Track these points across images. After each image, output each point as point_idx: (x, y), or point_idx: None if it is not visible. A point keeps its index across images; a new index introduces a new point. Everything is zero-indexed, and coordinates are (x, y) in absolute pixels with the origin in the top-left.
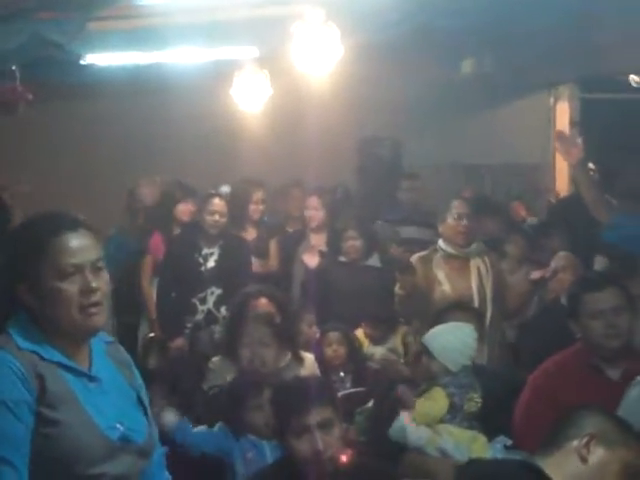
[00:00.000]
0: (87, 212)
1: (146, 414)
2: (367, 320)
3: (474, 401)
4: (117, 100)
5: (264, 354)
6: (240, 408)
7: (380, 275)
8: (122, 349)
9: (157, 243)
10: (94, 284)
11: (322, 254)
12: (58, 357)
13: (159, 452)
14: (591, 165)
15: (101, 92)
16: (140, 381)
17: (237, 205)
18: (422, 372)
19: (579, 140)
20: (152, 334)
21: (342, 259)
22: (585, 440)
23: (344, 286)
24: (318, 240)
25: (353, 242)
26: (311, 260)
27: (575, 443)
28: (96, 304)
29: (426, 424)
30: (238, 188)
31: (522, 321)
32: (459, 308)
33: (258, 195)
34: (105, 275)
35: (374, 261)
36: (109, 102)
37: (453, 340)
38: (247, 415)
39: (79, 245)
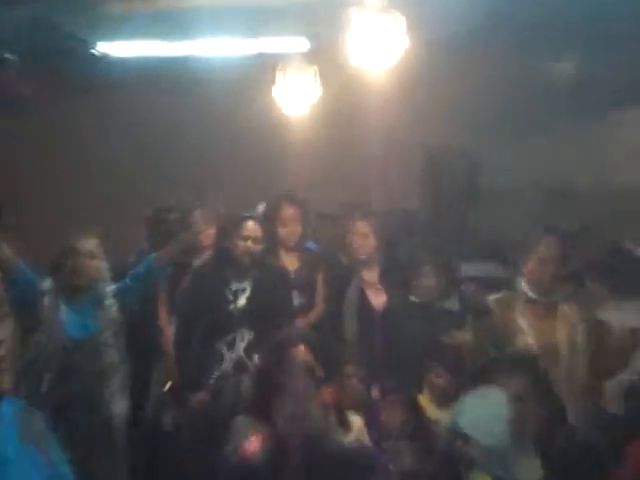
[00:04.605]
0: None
1: None
2: (436, 379)
3: (534, 472)
4: (135, 98)
5: (310, 409)
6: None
7: (457, 321)
8: (36, 416)
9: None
10: None
11: (388, 292)
12: None
13: None
14: None
15: (116, 87)
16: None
17: (269, 228)
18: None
19: None
20: (169, 385)
21: (414, 299)
22: None
23: (415, 333)
24: (369, 276)
25: (429, 280)
26: (376, 299)
27: None
28: None
29: None
30: (269, 206)
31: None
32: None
33: (288, 212)
34: (8, 325)
35: (452, 304)
36: (125, 99)
37: (484, 408)
38: None
39: None
